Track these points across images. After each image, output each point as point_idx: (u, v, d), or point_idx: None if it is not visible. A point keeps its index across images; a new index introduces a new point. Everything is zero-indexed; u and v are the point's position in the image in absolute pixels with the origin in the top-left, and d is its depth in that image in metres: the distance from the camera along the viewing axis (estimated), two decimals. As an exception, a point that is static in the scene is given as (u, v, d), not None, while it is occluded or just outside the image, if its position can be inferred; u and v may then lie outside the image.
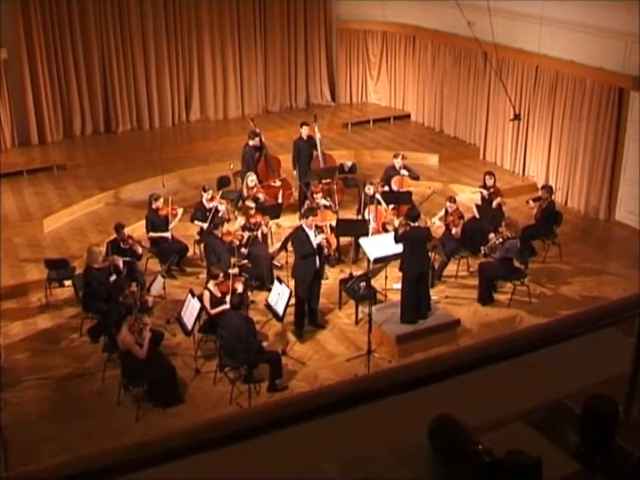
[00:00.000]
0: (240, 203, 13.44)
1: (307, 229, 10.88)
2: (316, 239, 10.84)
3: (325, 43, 19.78)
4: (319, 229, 11.55)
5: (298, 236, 10.97)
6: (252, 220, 12.15)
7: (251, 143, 14.42)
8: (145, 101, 18.08)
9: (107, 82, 17.62)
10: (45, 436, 8.80)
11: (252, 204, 12.46)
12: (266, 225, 12.46)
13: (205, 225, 12.29)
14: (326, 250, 11.30)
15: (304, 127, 14.64)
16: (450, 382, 2.53)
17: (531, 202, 13.29)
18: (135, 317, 9.35)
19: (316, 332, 10.99)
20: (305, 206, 13.02)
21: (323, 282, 11.73)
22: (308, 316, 11.04)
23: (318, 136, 14.68)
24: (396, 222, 12.12)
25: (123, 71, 17.69)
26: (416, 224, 10.72)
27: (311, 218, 11.02)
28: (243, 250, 11.68)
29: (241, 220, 12.19)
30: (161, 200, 12.52)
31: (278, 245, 12.23)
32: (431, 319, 10.79)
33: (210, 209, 12.46)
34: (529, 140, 16.00)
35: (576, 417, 2.82)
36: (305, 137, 14.64)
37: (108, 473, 2.19)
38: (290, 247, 11.50)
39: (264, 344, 10.09)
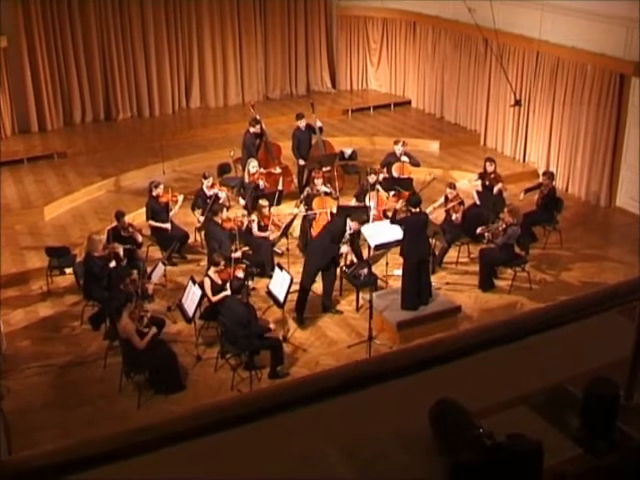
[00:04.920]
0: (242, 190, 13.44)
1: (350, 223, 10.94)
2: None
3: (325, 29, 19.71)
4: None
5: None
6: (266, 221, 12.08)
7: (252, 130, 14.38)
8: (145, 89, 18.03)
9: (107, 69, 17.57)
10: (47, 423, 8.83)
11: (265, 203, 12.32)
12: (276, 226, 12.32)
13: (202, 218, 12.23)
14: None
15: (301, 119, 14.55)
16: (451, 366, 2.52)
17: (521, 195, 13.22)
18: (136, 304, 9.36)
19: (317, 319, 11.00)
20: (305, 193, 12.99)
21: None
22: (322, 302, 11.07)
23: (319, 124, 14.63)
24: (398, 205, 12.08)
25: (123, 58, 17.65)
26: (417, 210, 10.72)
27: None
28: (255, 231, 11.67)
29: (254, 217, 12.12)
30: (161, 187, 12.50)
31: (279, 232, 12.21)
32: (432, 305, 10.80)
33: (210, 196, 12.44)
34: (530, 126, 15.95)
35: (577, 401, 2.82)
36: (303, 128, 14.58)
37: (108, 457, 2.18)
38: (290, 234, 11.42)
39: (271, 326, 10.05)
